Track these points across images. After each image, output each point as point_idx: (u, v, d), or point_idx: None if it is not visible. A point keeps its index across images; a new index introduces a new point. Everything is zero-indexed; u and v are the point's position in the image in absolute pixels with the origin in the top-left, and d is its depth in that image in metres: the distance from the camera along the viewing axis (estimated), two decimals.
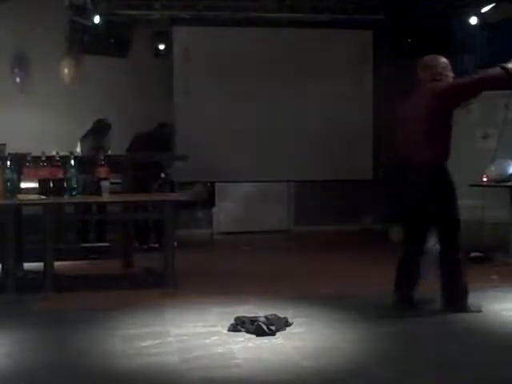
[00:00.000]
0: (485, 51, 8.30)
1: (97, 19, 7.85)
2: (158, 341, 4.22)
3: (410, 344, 4.21)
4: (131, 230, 7.04)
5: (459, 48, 8.65)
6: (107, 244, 7.45)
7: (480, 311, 4.81)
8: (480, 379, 3.60)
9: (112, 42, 8.34)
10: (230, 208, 8.99)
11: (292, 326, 4.48)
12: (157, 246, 7.35)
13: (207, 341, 4.22)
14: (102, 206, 7.16)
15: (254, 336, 4.28)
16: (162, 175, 7.69)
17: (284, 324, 4.47)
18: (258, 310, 4.71)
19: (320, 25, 8.91)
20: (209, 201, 8.55)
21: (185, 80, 8.90)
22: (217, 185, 8.77)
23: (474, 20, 8.10)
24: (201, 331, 4.42)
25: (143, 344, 4.17)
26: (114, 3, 8.20)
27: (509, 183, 6.85)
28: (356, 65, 9.21)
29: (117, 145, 7.91)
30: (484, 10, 7.89)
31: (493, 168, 6.97)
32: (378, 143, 9.30)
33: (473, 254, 6.77)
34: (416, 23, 8.67)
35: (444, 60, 4.95)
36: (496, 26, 8.01)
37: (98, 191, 5.74)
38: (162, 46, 8.84)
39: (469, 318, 4.74)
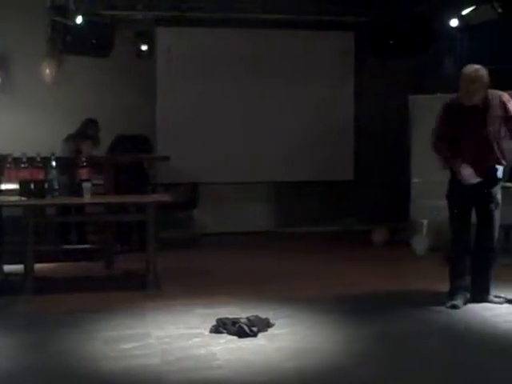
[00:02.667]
0: (465, 53, 8.39)
1: (79, 19, 7.79)
2: (140, 343, 4.23)
3: (391, 344, 4.25)
4: (113, 231, 7.02)
5: (440, 50, 8.74)
6: (89, 246, 7.42)
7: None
8: (463, 378, 3.64)
9: (94, 43, 8.27)
10: (213, 209, 8.98)
11: (274, 327, 4.51)
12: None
13: (189, 342, 4.23)
14: (83, 208, 7.13)
15: (235, 337, 4.30)
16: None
17: (266, 325, 4.49)
18: (239, 312, 4.72)
19: (302, 26, 8.93)
20: (191, 202, 8.54)
21: (167, 81, 8.88)
22: (199, 186, 8.76)
23: (454, 22, 8.17)
24: (183, 333, 4.43)
25: (125, 346, 4.17)
26: (96, 3, 8.16)
27: None
28: (338, 66, 9.23)
29: (99, 145, 7.88)
30: (464, 12, 7.95)
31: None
32: (359, 144, 9.34)
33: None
34: (397, 25, 8.73)
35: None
36: (476, 28, 8.07)
37: (79, 193, 5.73)
38: (144, 47, 8.79)
39: (448, 316, 4.80)
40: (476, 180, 4.94)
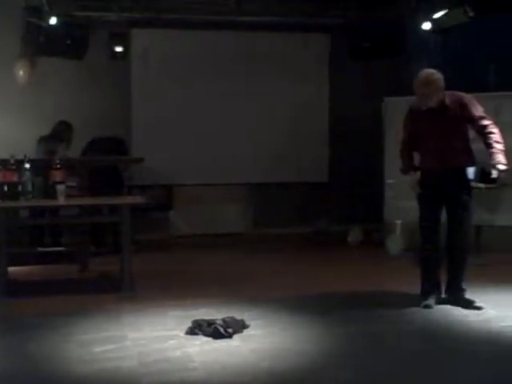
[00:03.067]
0: (438, 55, 8.50)
1: (53, 20, 7.75)
2: (116, 345, 4.22)
3: (366, 344, 4.28)
4: (87, 234, 6.98)
5: (414, 52, 8.84)
6: (63, 248, 7.37)
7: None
8: (437, 377, 3.69)
9: (68, 44, 8.23)
10: (188, 211, 8.98)
11: (249, 329, 4.52)
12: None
13: (165, 344, 4.23)
14: (57, 210, 7.08)
15: (211, 339, 4.31)
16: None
17: (241, 326, 4.51)
18: (215, 313, 4.73)
19: (279, 28, 8.96)
20: (166, 204, 8.53)
21: (142, 82, 8.85)
22: (174, 187, 8.75)
23: (427, 25, 8.27)
24: (158, 335, 4.43)
25: (101, 349, 4.15)
26: (70, 4, 8.10)
27: None
28: (314, 68, 9.29)
29: (73, 148, 7.83)
30: (436, 15, 8.06)
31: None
32: (334, 145, 9.40)
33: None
34: (373, 27, 8.82)
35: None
36: (448, 32, 8.19)
37: (53, 195, 5.69)
38: (119, 49, 8.76)
39: (421, 316, 4.86)
40: (416, 191, 5.17)
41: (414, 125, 5.20)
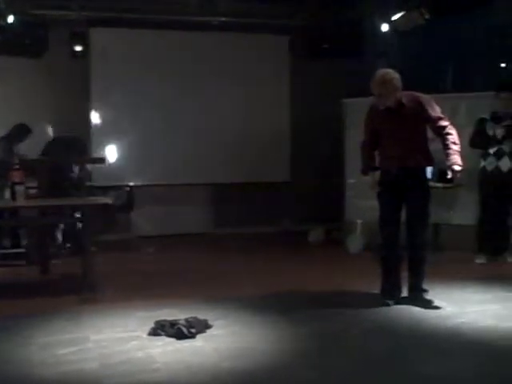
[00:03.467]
0: (397, 56, 8.64)
1: (10, 19, 7.64)
2: (78, 347, 4.19)
3: (327, 343, 4.32)
4: (48, 235, 6.91)
5: (372, 53, 8.97)
6: (23, 250, 7.27)
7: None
8: (398, 375, 3.75)
9: (27, 43, 8.13)
10: (150, 211, 8.95)
11: (212, 329, 4.54)
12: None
13: (127, 346, 4.21)
14: (16, 211, 6.98)
15: (174, 339, 4.31)
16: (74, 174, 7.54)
17: (204, 326, 4.52)
18: (178, 313, 4.73)
19: (239, 29, 9.00)
20: (127, 204, 8.49)
21: (102, 82, 8.79)
22: (135, 188, 8.71)
23: (385, 27, 8.40)
24: (121, 336, 4.41)
25: (62, 351, 4.12)
26: (29, 3, 8.01)
27: None
28: (274, 68, 9.36)
29: (32, 148, 7.73)
30: (394, 17, 8.20)
31: None
32: (295, 146, 9.48)
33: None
34: (332, 29, 8.92)
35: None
36: (406, 33, 8.33)
37: (12, 196, 5.62)
38: (78, 48, 8.69)
39: (380, 314, 4.94)
40: (376, 190, 5.25)
41: (374, 124, 5.28)
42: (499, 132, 6.81)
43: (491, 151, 6.87)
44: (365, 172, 5.38)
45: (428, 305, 5.12)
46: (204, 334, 4.42)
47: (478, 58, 8.30)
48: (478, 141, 6.86)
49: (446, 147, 5.10)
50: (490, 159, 6.88)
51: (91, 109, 8.76)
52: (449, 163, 5.06)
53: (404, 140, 5.14)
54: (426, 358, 4.01)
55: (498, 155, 6.86)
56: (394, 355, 4.05)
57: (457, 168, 5.04)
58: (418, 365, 3.88)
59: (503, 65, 8.57)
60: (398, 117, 5.14)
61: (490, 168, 6.89)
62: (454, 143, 5.10)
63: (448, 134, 5.13)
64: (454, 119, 7.44)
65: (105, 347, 4.20)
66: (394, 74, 5.11)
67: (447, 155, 5.08)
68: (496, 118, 6.86)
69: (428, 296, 5.25)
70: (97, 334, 4.46)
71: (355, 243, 7.79)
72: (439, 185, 6.94)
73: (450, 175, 5.10)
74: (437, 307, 5.09)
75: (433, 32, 8.21)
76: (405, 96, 5.15)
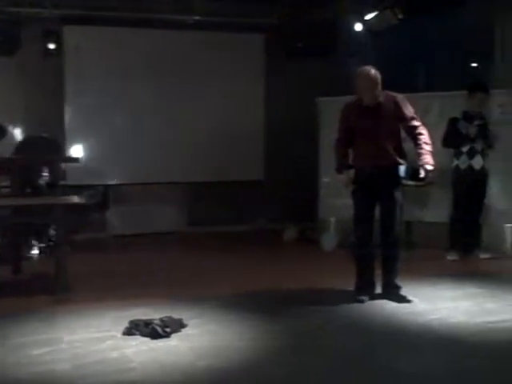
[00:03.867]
0: (370, 56, 8.70)
1: None
2: (51, 348, 4.17)
3: (302, 341, 4.36)
4: (20, 234, 6.84)
5: (346, 52, 9.03)
6: None
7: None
8: (372, 371, 3.80)
9: None
10: (125, 210, 8.91)
11: (187, 328, 4.54)
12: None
13: (101, 346, 4.20)
14: None
15: (148, 339, 4.31)
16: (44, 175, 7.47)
17: (179, 325, 4.53)
18: (153, 313, 4.73)
19: (214, 28, 8.99)
20: (103, 204, 8.44)
21: (76, 80, 8.72)
22: (110, 187, 8.67)
23: (359, 26, 8.47)
24: (95, 336, 4.40)
25: (35, 352, 4.10)
26: (1, 0, 7.92)
27: None
28: (249, 67, 9.36)
29: (5, 147, 7.64)
30: (368, 17, 8.26)
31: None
32: (269, 144, 9.50)
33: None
34: (306, 28, 8.95)
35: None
36: (379, 33, 8.40)
37: None
38: (52, 45, 8.61)
39: (355, 311, 4.99)
40: (350, 188, 5.29)
41: (350, 122, 5.31)
42: (472, 131, 6.91)
43: (464, 150, 6.97)
44: (339, 170, 5.40)
45: (402, 301, 5.19)
46: (179, 334, 4.43)
47: (449, 57, 8.40)
48: (450, 140, 6.95)
49: (418, 147, 5.19)
50: (463, 158, 6.98)
51: (65, 108, 8.68)
52: (421, 162, 5.15)
53: (379, 138, 5.20)
54: (398, 354, 4.06)
55: (471, 154, 6.97)
56: (367, 352, 4.10)
57: (429, 167, 5.14)
58: (390, 361, 3.93)
59: (474, 64, 8.70)
60: (375, 115, 5.19)
61: (463, 166, 6.99)
62: (426, 143, 5.19)
63: (420, 133, 5.22)
64: (426, 118, 7.57)
65: (79, 347, 4.19)
66: (378, 72, 5.19)
67: (419, 155, 5.17)
68: (468, 118, 6.96)
69: (401, 292, 5.32)
70: (71, 335, 4.44)
71: (329, 241, 7.85)
72: (412, 183, 7.02)
73: (422, 174, 5.18)
74: (409, 301, 5.19)
75: (406, 32, 8.29)
76: (382, 95, 5.21)
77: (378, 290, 5.41)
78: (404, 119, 5.24)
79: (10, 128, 7.81)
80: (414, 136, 5.23)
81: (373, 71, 5.18)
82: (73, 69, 8.68)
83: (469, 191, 7.02)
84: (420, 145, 5.18)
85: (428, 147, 5.19)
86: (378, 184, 5.24)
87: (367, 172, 5.25)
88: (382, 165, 5.22)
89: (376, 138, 5.20)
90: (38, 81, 8.53)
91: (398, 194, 5.30)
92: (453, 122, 6.99)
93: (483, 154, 6.99)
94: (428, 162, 5.14)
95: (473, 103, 6.97)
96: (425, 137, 5.21)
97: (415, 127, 5.23)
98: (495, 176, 7.17)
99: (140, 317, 4.60)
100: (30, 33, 8.41)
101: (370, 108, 5.20)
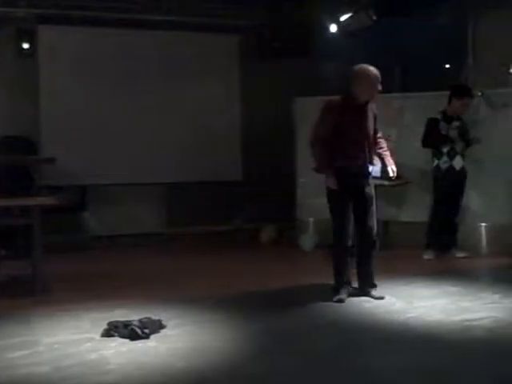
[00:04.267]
0: (344, 57, 8.77)
1: None
2: (28, 351, 4.13)
3: (281, 340, 4.38)
4: None
5: (322, 53, 9.09)
6: None
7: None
8: (351, 370, 3.82)
9: None
10: (103, 211, 8.85)
11: (166, 329, 4.54)
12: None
13: (80, 348, 4.18)
14: None
15: (127, 340, 4.30)
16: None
17: (158, 326, 4.52)
18: (132, 314, 4.71)
19: (189, 28, 8.97)
20: (80, 204, 8.38)
21: (50, 80, 8.64)
22: (87, 188, 8.61)
23: (333, 27, 8.52)
24: (73, 338, 4.37)
25: (12, 355, 4.06)
26: None
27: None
28: (224, 68, 9.35)
29: None
30: (342, 18, 8.31)
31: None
32: (247, 145, 9.51)
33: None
34: (282, 29, 8.99)
35: None
36: (354, 34, 8.46)
37: None
38: (26, 45, 8.53)
39: (334, 310, 5.03)
40: (335, 187, 5.21)
41: (336, 121, 5.20)
42: (453, 132, 7.00)
43: (444, 150, 7.06)
44: (321, 170, 5.32)
45: (378, 299, 5.26)
46: (158, 335, 4.42)
47: (423, 58, 8.49)
48: (430, 140, 7.04)
49: (383, 150, 5.51)
50: (445, 158, 7.07)
51: (40, 108, 8.59)
52: (388, 163, 5.47)
53: (365, 138, 5.28)
54: (376, 352, 4.10)
55: (452, 154, 7.06)
56: (344, 351, 4.14)
57: (394, 168, 5.48)
58: (367, 360, 3.96)
59: (447, 66, 8.81)
60: (362, 114, 5.26)
61: (444, 166, 7.08)
62: (387, 150, 5.55)
63: (381, 141, 5.54)
64: (401, 119, 7.67)
65: (57, 350, 4.16)
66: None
67: (386, 156, 5.50)
68: (447, 118, 7.05)
69: (377, 291, 5.38)
70: (49, 337, 4.41)
71: (308, 241, 7.87)
72: (387, 183, 7.10)
73: (391, 174, 5.48)
74: (382, 297, 5.29)
75: (380, 33, 8.37)
76: None
77: (355, 288, 5.46)
78: (374, 125, 5.41)
79: None
80: (377, 142, 5.46)
81: (375, 69, 5.23)
82: (47, 68, 8.58)
83: (449, 190, 7.11)
84: (384, 148, 5.51)
85: (389, 152, 5.54)
86: (356, 183, 5.28)
87: (353, 172, 5.27)
88: (362, 164, 5.29)
89: (362, 137, 5.26)
90: (11, 80, 8.44)
91: (372, 193, 5.38)
92: (432, 122, 7.06)
93: (462, 155, 7.09)
94: (393, 163, 5.49)
95: (457, 107, 7.03)
96: (385, 145, 5.56)
97: (380, 138, 5.53)
98: (470, 176, 7.26)
99: (119, 318, 4.58)
100: (3, 32, 8.32)
101: (358, 107, 5.23)
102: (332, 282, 5.43)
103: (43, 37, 8.57)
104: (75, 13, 8.44)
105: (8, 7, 8.13)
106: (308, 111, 8.17)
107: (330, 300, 5.25)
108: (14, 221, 6.70)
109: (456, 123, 7.04)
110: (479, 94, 7.29)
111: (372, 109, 5.35)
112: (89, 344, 4.25)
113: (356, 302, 5.25)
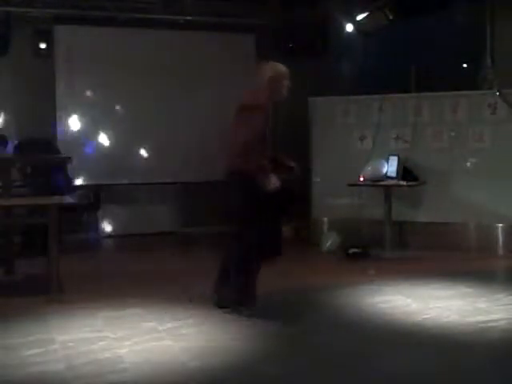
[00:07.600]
0: (361, 56, 8.73)
1: None
2: (43, 349, 4.15)
3: (297, 340, 4.36)
4: (13, 235, 6.80)
5: (337, 53, 9.05)
6: None
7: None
8: (367, 372, 3.79)
9: None
10: (116, 211, 8.89)
11: (181, 327, 4.54)
12: None
13: (94, 346, 4.19)
14: None
15: (141, 339, 4.30)
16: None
17: None
18: (145, 313, 4.71)
19: (204, 28, 8.98)
20: (94, 204, 8.41)
21: (67, 80, 8.69)
22: (102, 187, 8.64)
23: (349, 27, 8.48)
24: (87, 337, 4.39)
25: (27, 353, 4.08)
26: None
27: (383, 182, 7.25)
28: (238, 68, 9.32)
29: None
30: (358, 18, 8.28)
31: (369, 168, 7.36)
32: None
33: (351, 251, 7.09)
34: (297, 28, 8.97)
35: None
36: (370, 34, 8.42)
37: None
38: (43, 45, 8.58)
39: (350, 312, 5.00)
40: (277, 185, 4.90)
41: (266, 122, 5.13)
42: None
43: None
44: (263, 171, 5.08)
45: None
46: (172, 333, 4.41)
47: (440, 58, 8.43)
48: None
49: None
50: None
51: (56, 108, 8.64)
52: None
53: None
54: (392, 353, 4.08)
55: None
56: (360, 352, 4.11)
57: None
58: (383, 361, 3.94)
59: (465, 65, 8.74)
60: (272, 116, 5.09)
61: None
62: None
63: None
64: (417, 118, 7.60)
65: (71, 348, 4.17)
66: None
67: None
68: None
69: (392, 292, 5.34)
70: (63, 335, 4.42)
71: (324, 241, 7.76)
72: (403, 183, 7.08)
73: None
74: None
75: (396, 33, 8.32)
76: None
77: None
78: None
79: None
80: None
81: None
82: (64, 68, 8.63)
83: None
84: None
85: None
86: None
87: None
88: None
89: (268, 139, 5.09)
90: (29, 80, 8.48)
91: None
92: None
93: None
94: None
95: None
96: None
97: None
98: (485, 176, 7.17)
99: (132, 317, 4.58)
100: (20, 33, 8.38)
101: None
102: (345, 282, 5.40)
103: (59, 37, 8.62)
104: (91, 13, 8.49)
105: (25, 7, 8.19)
106: (323, 111, 8.18)
107: (345, 300, 5.21)
108: (31, 220, 6.76)
109: None
110: (497, 93, 7.24)
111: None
112: (103, 343, 4.26)
113: (372, 303, 5.21)
